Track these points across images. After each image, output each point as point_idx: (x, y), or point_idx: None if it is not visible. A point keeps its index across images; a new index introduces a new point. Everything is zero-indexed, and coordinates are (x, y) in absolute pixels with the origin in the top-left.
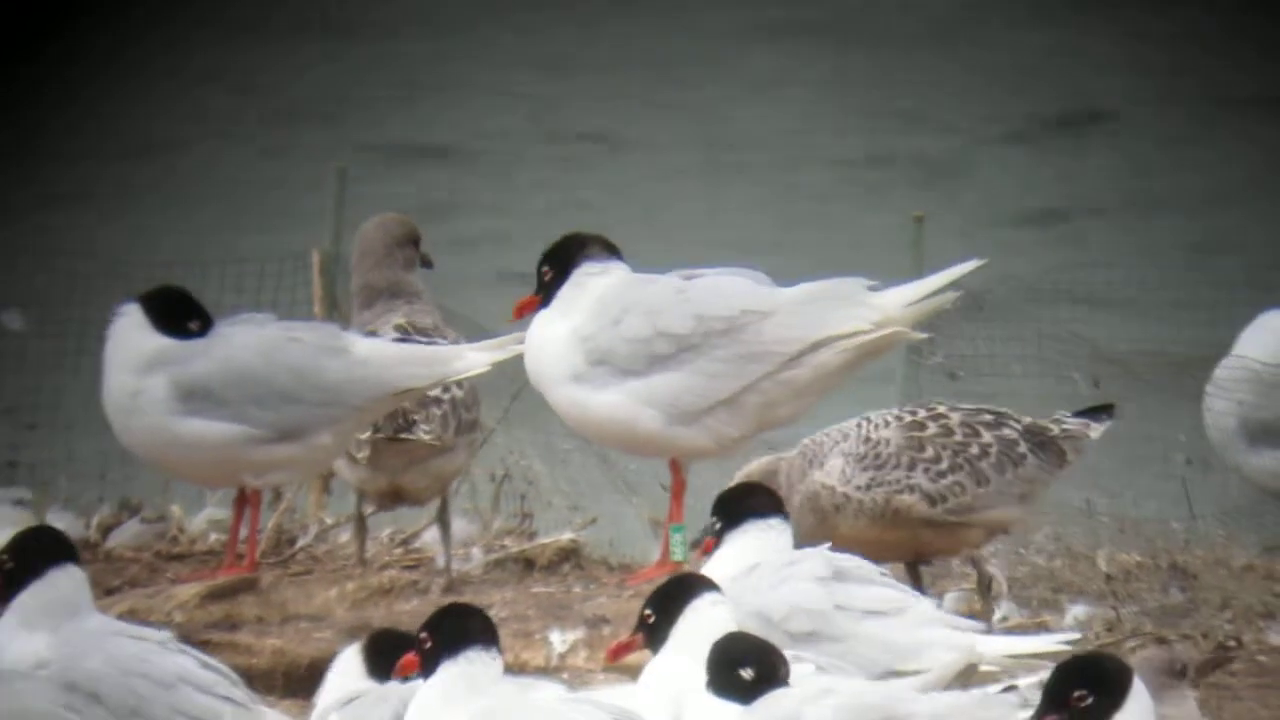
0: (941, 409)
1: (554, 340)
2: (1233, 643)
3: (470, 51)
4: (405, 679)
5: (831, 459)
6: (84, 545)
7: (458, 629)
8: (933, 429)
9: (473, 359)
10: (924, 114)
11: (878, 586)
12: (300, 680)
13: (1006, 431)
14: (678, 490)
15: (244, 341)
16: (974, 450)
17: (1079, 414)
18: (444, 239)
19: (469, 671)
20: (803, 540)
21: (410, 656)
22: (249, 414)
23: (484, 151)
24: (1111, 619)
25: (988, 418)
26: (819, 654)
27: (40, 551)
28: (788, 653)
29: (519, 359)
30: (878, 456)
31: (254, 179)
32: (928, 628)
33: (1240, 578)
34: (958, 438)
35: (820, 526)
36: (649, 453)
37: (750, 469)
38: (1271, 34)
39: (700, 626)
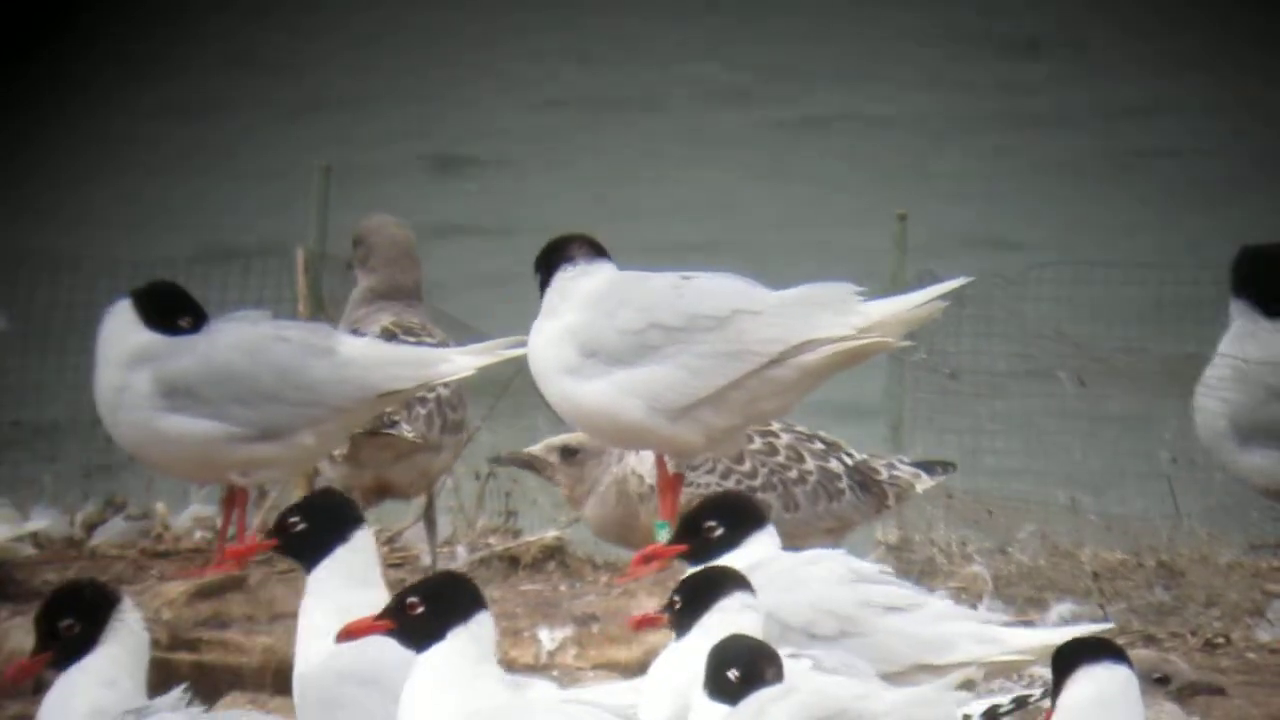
0: (775, 426)
1: (548, 336)
2: (1221, 640)
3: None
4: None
5: None
6: (69, 543)
7: (465, 594)
8: (757, 444)
9: (459, 362)
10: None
11: (893, 586)
12: (290, 678)
13: (832, 464)
14: (665, 486)
15: (229, 339)
16: (792, 474)
17: (917, 464)
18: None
19: (479, 635)
20: (604, 523)
21: (366, 622)
22: (231, 412)
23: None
24: (1098, 617)
25: (819, 446)
26: (840, 651)
27: (332, 516)
28: (785, 651)
29: (506, 361)
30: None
31: (242, 177)
32: (953, 621)
33: (1226, 575)
34: (779, 458)
35: (624, 512)
36: (640, 445)
37: (571, 437)
38: None
39: (724, 628)
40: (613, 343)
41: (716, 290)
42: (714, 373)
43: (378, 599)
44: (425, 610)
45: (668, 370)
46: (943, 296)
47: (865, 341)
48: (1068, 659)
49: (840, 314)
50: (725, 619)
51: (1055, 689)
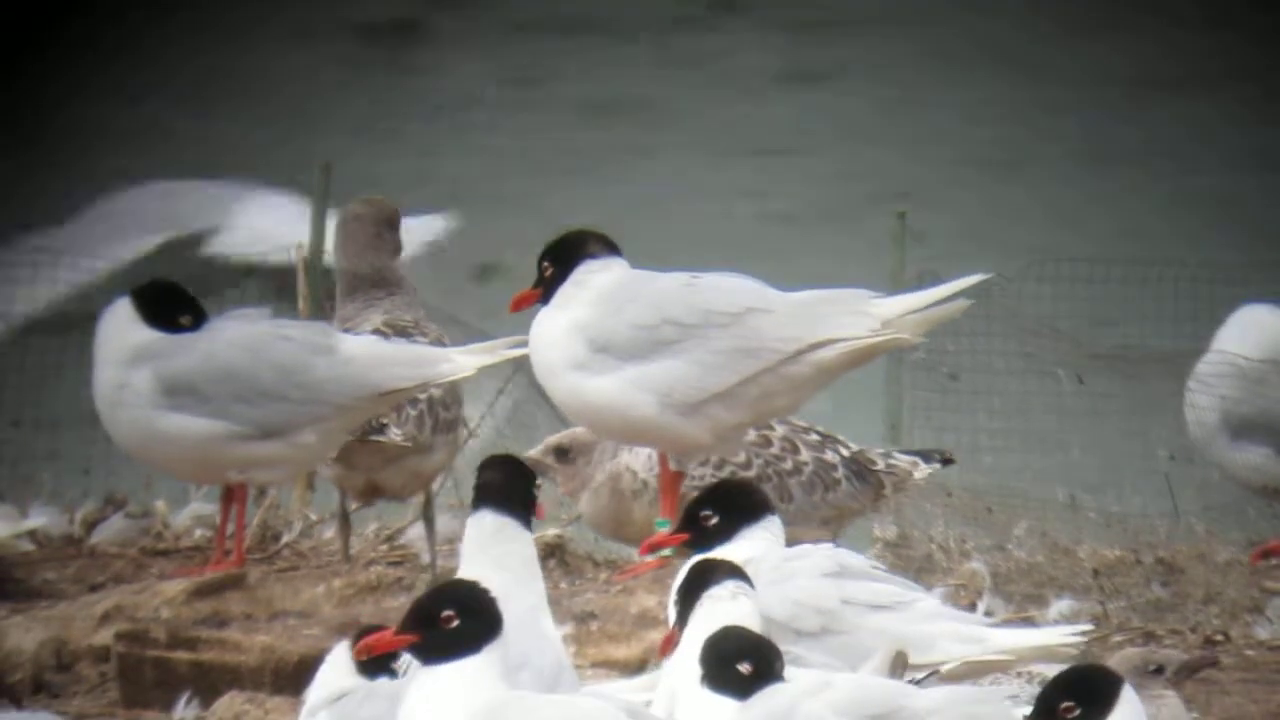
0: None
1: (555, 332)
2: (1220, 637)
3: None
4: (378, 658)
5: None
6: (68, 541)
7: (495, 609)
8: (752, 436)
9: (460, 362)
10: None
11: (881, 582)
12: (289, 677)
13: (828, 455)
14: (667, 484)
15: (230, 337)
16: (787, 465)
17: (915, 453)
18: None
19: (505, 654)
20: (599, 518)
21: (387, 638)
22: (232, 410)
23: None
24: (1098, 614)
25: (814, 438)
26: (824, 649)
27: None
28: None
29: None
30: None
31: (242, 177)
32: (937, 620)
33: (1224, 573)
34: (774, 450)
35: (617, 508)
36: (646, 441)
37: (563, 437)
38: None
39: (716, 616)
40: (624, 338)
41: (729, 288)
42: (728, 368)
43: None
44: (461, 624)
45: (680, 365)
46: (961, 294)
47: (882, 339)
48: (1110, 687)
49: (856, 315)
50: (716, 607)
51: (1092, 717)
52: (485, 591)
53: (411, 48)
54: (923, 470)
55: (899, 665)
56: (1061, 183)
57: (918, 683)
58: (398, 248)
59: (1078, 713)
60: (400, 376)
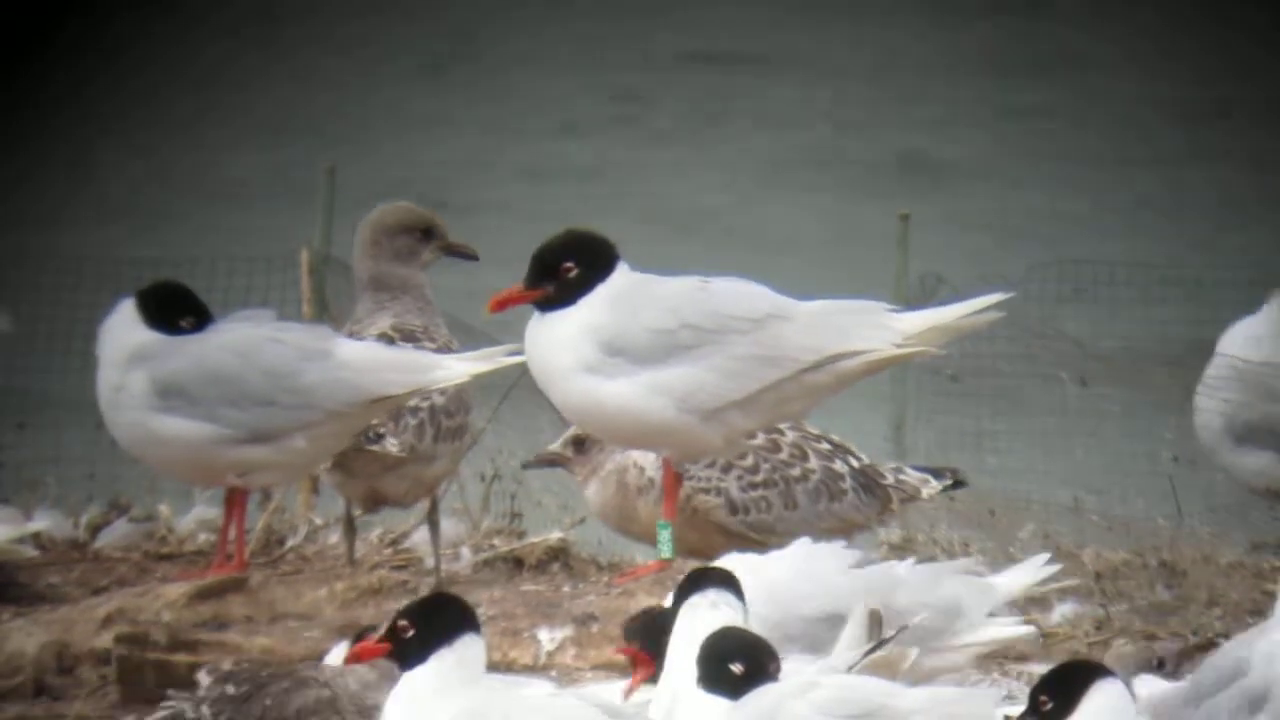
0: (781, 425)
1: (563, 335)
2: (1223, 640)
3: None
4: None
5: None
6: (72, 545)
7: (451, 616)
8: (761, 439)
9: (454, 369)
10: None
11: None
12: None
13: (837, 464)
14: (669, 486)
15: (223, 341)
16: (795, 472)
17: (927, 470)
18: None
19: (465, 658)
20: (604, 509)
21: (369, 645)
22: (221, 414)
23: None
24: (1100, 617)
25: (825, 446)
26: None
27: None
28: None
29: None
30: None
31: (244, 177)
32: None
33: (1228, 575)
34: (783, 455)
35: (622, 502)
36: (657, 445)
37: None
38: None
39: (693, 625)
40: (642, 342)
41: (745, 293)
42: (749, 376)
43: None
44: (414, 633)
45: (700, 371)
46: (985, 309)
47: (905, 350)
48: (1080, 678)
49: (875, 329)
50: (695, 614)
51: (1056, 710)
52: (444, 601)
53: None
54: (932, 488)
55: (874, 624)
56: (1066, 185)
57: (889, 640)
58: (403, 253)
59: (1049, 705)
60: (392, 382)
